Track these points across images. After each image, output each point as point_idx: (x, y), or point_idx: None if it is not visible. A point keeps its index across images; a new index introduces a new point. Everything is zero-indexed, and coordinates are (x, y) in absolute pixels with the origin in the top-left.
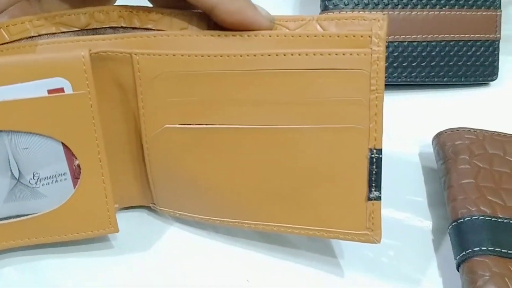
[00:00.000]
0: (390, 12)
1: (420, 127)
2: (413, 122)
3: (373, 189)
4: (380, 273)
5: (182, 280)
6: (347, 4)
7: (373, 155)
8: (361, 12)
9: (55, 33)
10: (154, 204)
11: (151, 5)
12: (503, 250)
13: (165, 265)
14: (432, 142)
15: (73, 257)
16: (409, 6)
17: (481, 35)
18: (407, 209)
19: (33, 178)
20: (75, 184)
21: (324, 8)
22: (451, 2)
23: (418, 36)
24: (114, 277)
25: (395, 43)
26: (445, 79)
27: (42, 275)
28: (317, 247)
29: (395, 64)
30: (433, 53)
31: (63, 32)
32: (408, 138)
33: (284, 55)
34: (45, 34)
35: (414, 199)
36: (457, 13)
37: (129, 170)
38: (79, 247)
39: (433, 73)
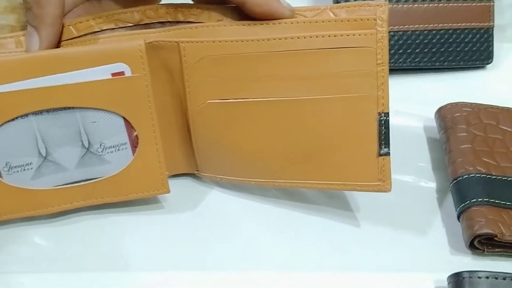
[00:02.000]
0: (394, 5)
1: (424, 105)
2: (418, 101)
3: (383, 146)
4: (391, 224)
5: (223, 234)
6: None
7: (381, 118)
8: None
9: (114, 28)
10: (197, 171)
11: (192, 2)
12: (496, 201)
13: (208, 222)
14: (435, 115)
15: (131, 215)
16: None
17: (477, 24)
18: (414, 173)
19: (100, 147)
20: (133, 152)
21: (336, 2)
22: None
23: (420, 25)
24: (166, 232)
25: (400, 32)
26: (445, 63)
27: (107, 230)
28: (336, 203)
29: (400, 51)
30: (434, 41)
31: (121, 27)
32: (414, 115)
33: (304, 37)
34: (106, 29)
35: (420, 164)
36: (455, 4)
37: (176, 141)
38: (135, 207)
39: (435, 58)
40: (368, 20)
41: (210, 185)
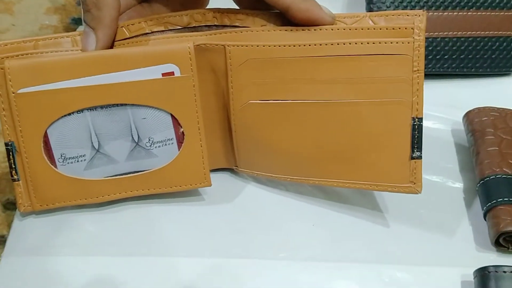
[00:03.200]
0: None
1: (452, 109)
2: (446, 105)
3: (415, 150)
4: (420, 222)
5: (260, 225)
6: (389, 7)
7: (415, 123)
8: None
9: (163, 31)
10: (236, 166)
11: (237, 7)
12: None
13: (246, 214)
14: (463, 119)
15: (173, 205)
16: (441, 7)
17: (504, 32)
18: (441, 173)
19: (148, 141)
20: (179, 147)
21: (369, 10)
22: (477, 4)
23: (450, 33)
24: (205, 222)
25: (430, 39)
26: (472, 69)
27: (150, 218)
28: (366, 202)
29: (430, 57)
30: (462, 47)
31: (170, 29)
32: (442, 118)
33: (344, 44)
34: (156, 31)
35: (447, 166)
36: (483, 13)
37: (217, 138)
38: (178, 198)
39: (462, 65)
40: (406, 29)
41: (247, 180)
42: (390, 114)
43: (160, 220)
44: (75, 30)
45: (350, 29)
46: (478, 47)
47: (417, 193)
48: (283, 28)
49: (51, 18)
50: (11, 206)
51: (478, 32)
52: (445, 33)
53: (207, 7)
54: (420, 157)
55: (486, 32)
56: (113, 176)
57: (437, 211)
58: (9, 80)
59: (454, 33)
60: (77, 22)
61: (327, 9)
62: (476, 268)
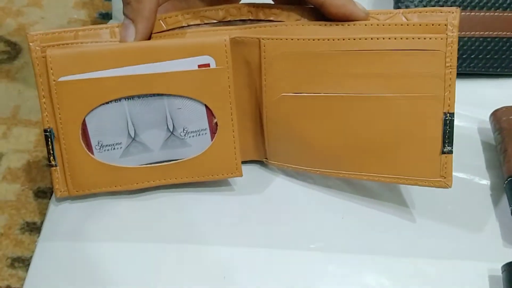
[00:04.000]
0: None
1: (478, 107)
2: (473, 103)
3: (446, 145)
4: (448, 217)
5: (289, 216)
6: (417, 5)
7: (447, 118)
8: None
9: (199, 24)
10: (266, 158)
11: (272, 2)
12: None
13: (275, 205)
14: (490, 117)
15: (204, 195)
16: (469, 7)
17: None
18: (468, 170)
19: (183, 131)
20: (212, 137)
21: (397, 7)
22: (504, 5)
23: (477, 33)
24: (236, 211)
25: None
26: (498, 69)
27: (182, 206)
28: (394, 197)
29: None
30: (489, 47)
31: (205, 23)
32: (469, 117)
33: (378, 39)
34: (193, 25)
35: (474, 163)
36: (510, 14)
37: (249, 130)
38: (209, 188)
39: (488, 64)
40: (439, 25)
41: (276, 172)
42: (422, 109)
43: (191, 208)
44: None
45: (383, 25)
46: (504, 47)
47: (447, 187)
48: (317, 22)
49: (79, 12)
50: (42, 194)
51: (505, 33)
52: (472, 32)
53: (242, 1)
54: (451, 152)
55: None
56: (147, 164)
57: (464, 207)
58: (51, 69)
59: (481, 33)
60: (104, 16)
61: (361, 5)
62: (505, 263)
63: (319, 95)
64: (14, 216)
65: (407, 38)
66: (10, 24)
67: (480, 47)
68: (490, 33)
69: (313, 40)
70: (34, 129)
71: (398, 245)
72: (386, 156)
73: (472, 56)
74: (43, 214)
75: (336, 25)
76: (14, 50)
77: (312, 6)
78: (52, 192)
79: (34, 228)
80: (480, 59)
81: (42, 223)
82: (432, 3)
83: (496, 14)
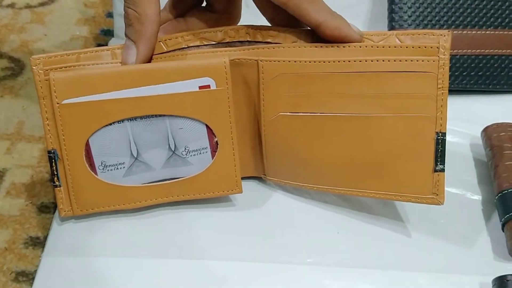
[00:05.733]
0: None
1: (470, 123)
2: (464, 119)
3: (438, 163)
4: (440, 232)
5: (287, 231)
6: (410, 25)
7: (439, 137)
8: None
9: (199, 45)
10: (264, 175)
11: (269, 25)
12: None
13: (274, 220)
14: (481, 134)
15: (205, 211)
16: (461, 26)
17: None
18: (460, 185)
19: (184, 150)
20: (213, 156)
21: (391, 27)
22: (495, 23)
23: (469, 50)
24: (236, 226)
25: (450, 56)
26: (490, 86)
27: (183, 223)
28: (389, 212)
29: (449, 73)
30: (481, 65)
31: (205, 44)
32: (461, 132)
33: (372, 61)
34: (192, 46)
35: (466, 178)
36: (500, 32)
37: (247, 147)
38: (210, 204)
39: (481, 81)
40: (431, 47)
41: (274, 188)
42: (415, 128)
43: (193, 224)
44: (104, 41)
45: (377, 47)
46: (495, 65)
47: (439, 204)
48: (313, 44)
49: (81, 29)
50: (45, 209)
51: (496, 50)
52: (464, 50)
53: (239, 23)
54: (443, 170)
55: (504, 51)
56: (150, 183)
57: (456, 221)
58: (54, 91)
59: (473, 51)
60: (105, 33)
61: (355, 27)
62: (495, 277)
63: (315, 115)
64: (18, 231)
65: (400, 60)
66: (13, 41)
67: (472, 65)
68: (482, 51)
69: (309, 62)
70: (37, 145)
71: (392, 259)
72: (380, 174)
73: (464, 73)
74: (46, 228)
75: (332, 46)
76: (17, 67)
77: (309, 28)
78: (55, 207)
79: (38, 243)
80: (472, 76)
81: (45, 237)
82: (425, 22)
83: (487, 32)
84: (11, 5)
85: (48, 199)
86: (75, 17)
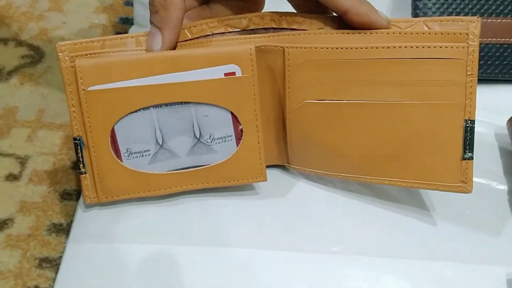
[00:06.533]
0: None
1: (496, 113)
2: (490, 109)
3: (467, 151)
4: (465, 221)
5: (311, 220)
6: (435, 13)
7: (467, 125)
8: None
9: (224, 32)
10: (288, 163)
11: (295, 11)
12: None
13: (297, 208)
14: (507, 123)
15: (229, 199)
16: (486, 14)
17: None
18: (486, 175)
19: (209, 138)
20: (237, 143)
21: (415, 15)
22: None
23: (494, 39)
24: (259, 214)
25: None
26: None
27: (207, 210)
28: (414, 201)
29: None
30: (506, 54)
31: (230, 31)
32: (487, 122)
33: (400, 47)
34: (217, 33)
35: (491, 168)
36: None
37: (272, 135)
38: (234, 192)
39: (505, 70)
40: (460, 34)
41: (298, 176)
42: (443, 116)
43: (217, 212)
44: (123, 29)
45: (405, 33)
46: None
47: (468, 192)
48: (340, 31)
49: (100, 17)
50: (67, 196)
51: None
52: (489, 39)
53: (264, 10)
54: (471, 158)
55: None
56: (174, 170)
57: (482, 211)
58: (80, 78)
59: (498, 39)
60: (124, 21)
61: (383, 13)
62: None
63: (341, 102)
64: (40, 218)
65: (428, 47)
66: (32, 29)
67: (497, 53)
68: (507, 39)
69: (336, 48)
70: (58, 132)
71: (417, 249)
72: (407, 162)
73: (489, 62)
74: (69, 215)
75: (359, 33)
76: (37, 54)
77: (335, 15)
78: (78, 194)
79: (61, 229)
80: (497, 65)
81: (68, 224)
82: (450, 10)
83: None
84: None
85: (70, 186)
86: (93, 5)
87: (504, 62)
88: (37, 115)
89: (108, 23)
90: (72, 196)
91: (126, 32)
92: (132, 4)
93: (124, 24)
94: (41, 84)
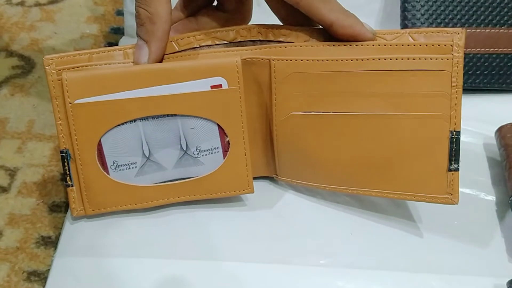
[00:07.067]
0: None
1: (484, 123)
2: (478, 119)
3: (453, 162)
4: (453, 233)
5: (298, 231)
6: (423, 23)
7: (453, 136)
8: None
9: (211, 45)
10: (276, 174)
11: (281, 24)
12: None
13: (285, 220)
14: (495, 133)
15: (216, 211)
16: (474, 25)
17: None
18: (474, 186)
19: (196, 150)
20: (224, 155)
21: (404, 26)
22: (509, 22)
23: (482, 49)
24: (247, 226)
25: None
26: (504, 85)
27: (194, 223)
28: (401, 213)
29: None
30: (494, 64)
31: (217, 44)
32: (475, 132)
33: (385, 59)
34: (204, 46)
35: (479, 179)
36: None
37: (259, 147)
38: (221, 204)
39: (494, 80)
40: (445, 45)
41: (286, 188)
42: (429, 127)
43: (204, 224)
44: (114, 39)
45: (390, 45)
46: (509, 63)
47: (454, 204)
48: (326, 43)
49: (91, 27)
50: (56, 208)
51: (509, 49)
52: (478, 49)
53: (250, 22)
54: (457, 169)
55: None
56: (161, 182)
57: (469, 222)
58: (67, 91)
59: (486, 49)
60: (115, 31)
61: (368, 25)
62: (510, 279)
63: (327, 114)
64: (29, 230)
65: (413, 59)
66: (23, 39)
67: (486, 63)
68: (495, 49)
69: (322, 60)
70: (48, 144)
71: (405, 261)
72: (393, 173)
73: (477, 72)
74: (57, 228)
75: (344, 45)
76: (28, 65)
77: (321, 27)
78: (66, 206)
79: (49, 242)
80: (486, 75)
81: (56, 237)
82: (438, 20)
83: (501, 31)
84: (21, 3)
85: (59, 198)
86: (84, 15)
87: (493, 72)
88: (27, 126)
89: (99, 33)
90: (61, 208)
91: (117, 42)
92: (123, 14)
93: (116, 34)
94: (32, 95)
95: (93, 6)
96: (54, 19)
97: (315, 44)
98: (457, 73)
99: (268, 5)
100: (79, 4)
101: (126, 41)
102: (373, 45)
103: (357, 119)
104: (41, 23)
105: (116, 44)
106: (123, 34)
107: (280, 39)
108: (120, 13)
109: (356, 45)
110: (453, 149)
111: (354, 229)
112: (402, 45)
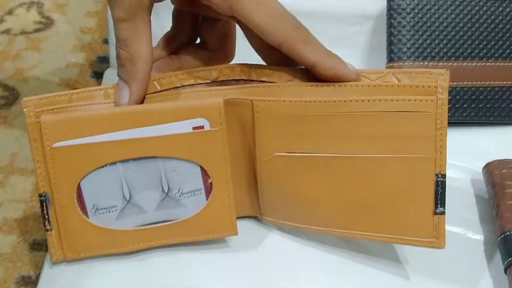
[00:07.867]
0: (445, 63)
1: (471, 157)
2: (465, 153)
3: (438, 206)
4: (440, 274)
5: (283, 274)
6: (410, 57)
7: (438, 179)
8: (421, 63)
9: (193, 84)
10: (260, 214)
11: (264, 63)
12: None
13: (269, 262)
14: (482, 170)
15: (199, 253)
16: (461, 58)
17: None
18: (461, 224)
19: (178, 192)
20: (207, 197)
21: (390, 59)
22: (496, 54)
23: (469, 82)
24: (230, 269)
25: (449, 88)
26: (491, 118)
27: (176, 265)
28: (388, 253)
29: (449, 105)
30: (481, 97)
31: (200, 83)
32: (462, 167)
33: (368, 100)
34: (187, 85)
35: (467, 217)
36: (501, 63)
37: (243, 187)
38: (203, 246)
39: (481, 113)
40: (429, 87)
41: (271, 228)
42: (413, 170)
43: (186, 267)
44: (100, 68)
45: (374, 86)
46: (496, 96)
47: (440, 248)
48: (309, 83)
49: (77, 55)
50: (37, 246)
51: (496, 82)
52: (465, 82)
53: (233, 61)
54: (443, 213)
55: (504, 82)
56: (143, 225)
57: (457, 263)
58: (45, 134)
59: (473, 82)
60: (102, 60)
61: (351, 65)
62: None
63: (311, 155)
64: (9, 270)
65: (397, 100)
66: (8, 68)
67: (473, 96)
68: (482, 82)
69: (305, 102)
70: (30, 178)
71: None
72: (378, 216)
73: (464, 106)
74: (38, 267)
75: (328, 85)
76: (12, 95)
77: (304, 67)
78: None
79: (29, 283)
80: (473, 108)
81: (36, 277)
82: (425, 54)
83: (487, 64)
84: (6, 31)
85: (41, 236)
86: (71, 43)
87: (480, 105)
88: (10, 159)
89: (85, 62)
90: (42, 246)
91: (103, 71)
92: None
93: (102, 62)
94: (15, 126)
95: (80, 34)
96: (39, 47)
97: (298, 85)
98: (441, 115)
99: (251, 45)
100: (66, 32)
101: (111, 73)
102: (357, 86)
103: (341, 161)
104: (26, 51)
105: (102, 73)
106: (109, 62)
107: (263, 79)
108: (107, 41)
109: (340, 86)
110: (439, 192)
111: (340, 270)
112: (386, 86)
